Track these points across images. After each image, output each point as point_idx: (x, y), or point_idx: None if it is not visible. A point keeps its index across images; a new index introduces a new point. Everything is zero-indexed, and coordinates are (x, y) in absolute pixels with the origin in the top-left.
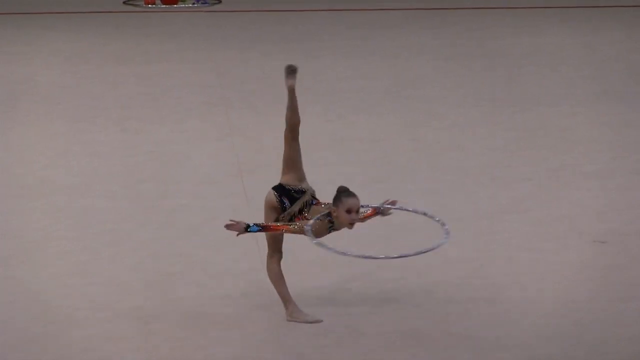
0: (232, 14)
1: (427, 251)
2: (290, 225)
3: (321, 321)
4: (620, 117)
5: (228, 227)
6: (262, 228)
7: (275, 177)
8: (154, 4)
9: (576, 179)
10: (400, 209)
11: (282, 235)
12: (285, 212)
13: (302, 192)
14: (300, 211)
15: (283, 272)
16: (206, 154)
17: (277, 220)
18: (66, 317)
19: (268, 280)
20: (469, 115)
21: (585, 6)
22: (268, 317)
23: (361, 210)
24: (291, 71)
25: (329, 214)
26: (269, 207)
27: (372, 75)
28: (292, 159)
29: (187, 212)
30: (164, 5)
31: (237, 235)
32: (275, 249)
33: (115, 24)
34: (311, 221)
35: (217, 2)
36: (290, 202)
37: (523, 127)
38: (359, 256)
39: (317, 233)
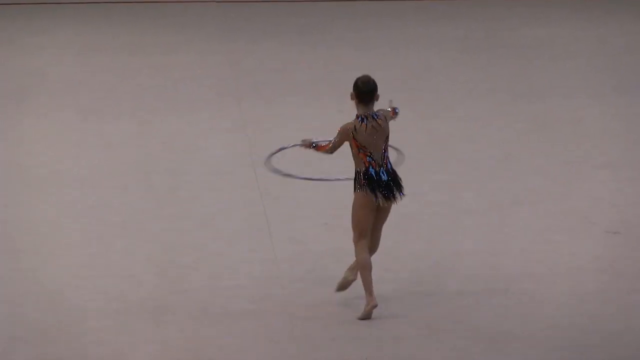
0: (243, 4)
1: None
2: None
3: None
4: (632, 110)
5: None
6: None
7: (290, 168)
8: None
9: (588, 170)
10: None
11: (366, 218)
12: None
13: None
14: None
15: (295, 260)
16: (219, 145)
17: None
18: (79, 309)
19: (280, 271)
20: (480, 107)
21: None
22: (281, 308)
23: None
24: None
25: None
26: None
27: (383, 67)
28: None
29: (200, 203)
30: None
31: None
32: (360, 234)
33: (126, 15)
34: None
35: None
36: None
37: (535, 119)
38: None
39: (372, 134)
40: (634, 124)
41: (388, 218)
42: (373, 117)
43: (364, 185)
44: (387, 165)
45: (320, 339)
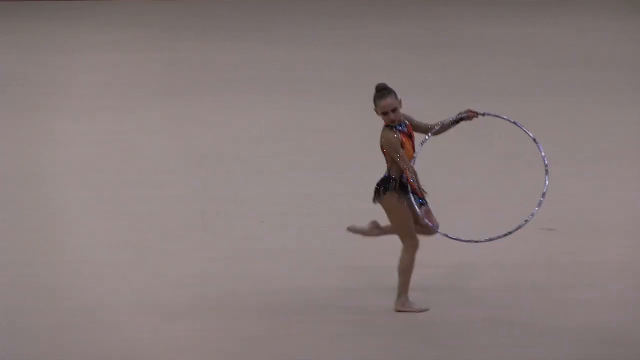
0: (185, 2)
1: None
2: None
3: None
4: (571, 107)
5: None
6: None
7: (232, 166)
8: None
9: (524, 167)
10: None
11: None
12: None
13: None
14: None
15: (233, 257)
16: (159, 142)
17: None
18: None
19: (220, 269)
20: (422, 103)
21: None
22: (219, 306)
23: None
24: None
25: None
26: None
27: (328, 65)
28: None
29: (141, 201)
30: None
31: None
32: (412, 237)
33: (65, 13)
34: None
35: None
36: None
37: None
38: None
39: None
40: (571, 121)
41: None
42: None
43: (397, 189)
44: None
45: (260, 338)
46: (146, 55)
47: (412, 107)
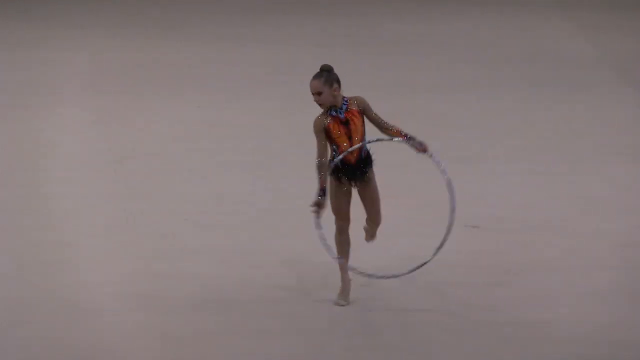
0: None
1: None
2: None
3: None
4: (495, 104)
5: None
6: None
7: (152, 165)
8: None
9: (450, 164)
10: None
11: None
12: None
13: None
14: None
15: (157, 255)
16: (80, 140)
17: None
18: None
19: (145, 266)
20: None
21: None
22: (148, 304)
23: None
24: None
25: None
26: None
27: (252, 62)
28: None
29: (63, 199)
30: None
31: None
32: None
33: None
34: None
35: None
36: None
37: (398, 112)
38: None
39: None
40: (496, 118)
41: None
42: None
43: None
44: None
45: (185, 336)
46: (70, 53)
47: None
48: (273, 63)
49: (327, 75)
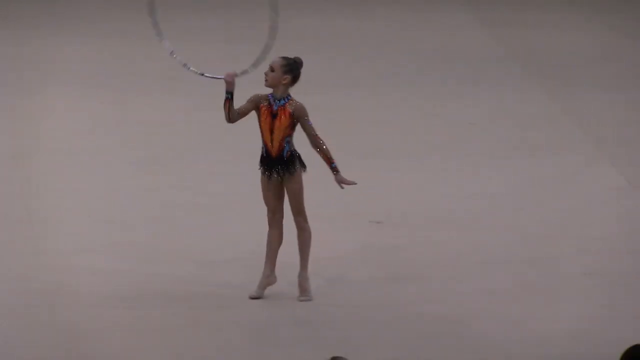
0: None
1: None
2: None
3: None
4: (401, 100)
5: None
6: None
7: (53, 163)
8: None
9: (353, 160)
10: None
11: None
12: None
13: None
14: None
15: (57, 252)
16: None
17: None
18: None
19: (41, 264)
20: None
21: None
22: (44, 301)
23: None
24: None
25: None
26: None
27: (152, 58)
28: None
29: None
30: None
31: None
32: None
33: None
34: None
35: None
36: None
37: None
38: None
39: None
40: (400, 114)
41: None
42: None
43: (301, 161)
44: None
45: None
46: None
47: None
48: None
49: (289, 63)
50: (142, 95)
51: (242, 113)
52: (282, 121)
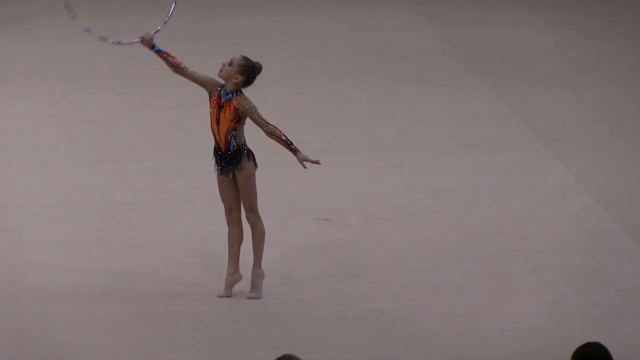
0: None
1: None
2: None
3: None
4: (342, 96)
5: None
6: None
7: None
8: None
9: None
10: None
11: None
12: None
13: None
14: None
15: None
16: None
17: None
18: None
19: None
20: (191, 95)
21: None
22: None
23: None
24: None
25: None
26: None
27: (100, 54)
28: None
29: None
30: None
31: (142, 43)
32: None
33: None
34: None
35: None
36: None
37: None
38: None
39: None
40: (342, 110)
41: None
42: None
43: (252, 157)
44: None
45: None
46: None
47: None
48: (121, 56)
49: (247, 65)
50: (88, 91)
51: (192, 77)
52: (226, 114)
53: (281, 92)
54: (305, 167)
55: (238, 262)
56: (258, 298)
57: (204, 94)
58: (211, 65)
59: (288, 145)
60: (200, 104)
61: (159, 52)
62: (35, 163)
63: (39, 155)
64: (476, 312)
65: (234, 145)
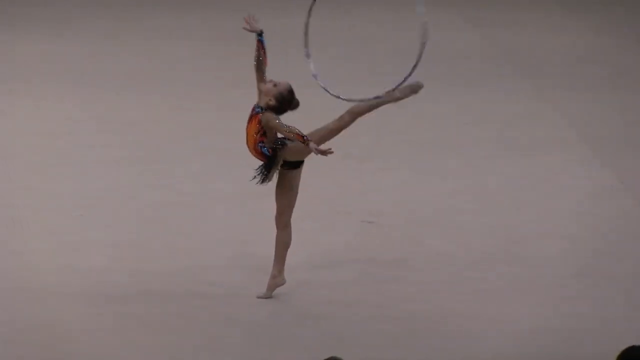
0: None
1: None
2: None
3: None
4: None
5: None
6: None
7: (33, 162)
8: None
9: (339, 160)
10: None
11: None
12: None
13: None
14: None
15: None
16: None
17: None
18: None
19: (34, 264)
20: (230, 97)
21: None
22: (35, 301)
23: None
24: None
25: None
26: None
27: (132, 56)
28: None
29: None
30: None
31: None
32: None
33: None
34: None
35: None
36: None
37: None
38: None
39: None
40: (383, 113)
41: None
42: None
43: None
44: None
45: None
46: None
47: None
48: (160, 58)
49: (284, 95)
50: (127, 93)
51: (260, 81)
52: (252, 126)
53: (323, 94)
54: (316, 154)
55: (283, 266)
56: (265, 298)
57: (240, 96)
58: (249, 65)
59: (301, 137)
60: (236, 105)
61: (260, 42)
62: (75, 165)
63: (79, 158)
64: (518, 315)
65: (268, 150)
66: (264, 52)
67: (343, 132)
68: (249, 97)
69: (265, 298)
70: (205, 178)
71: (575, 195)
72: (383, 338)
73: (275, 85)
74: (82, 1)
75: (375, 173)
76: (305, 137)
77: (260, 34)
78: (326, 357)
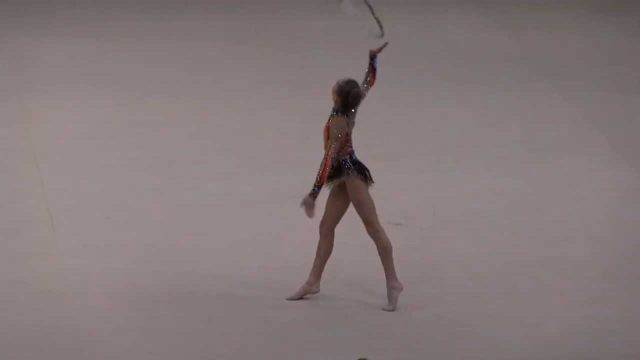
0: None
1: None
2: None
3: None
4: (412, 99)
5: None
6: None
7: (61, 164)
8: None
9: (366, 160)
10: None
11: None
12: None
13: None
14: None
15: (78, 253)
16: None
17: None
18: None
19: (64, 265)
20: (256, 98)
21: None
22: (60, 303)
23: None
24: None
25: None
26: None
27: (160, 58)
28: None
29: None
30: None
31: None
32: (376, 218)
33: None
34: None
35: None
36: None
37: (312, 110)
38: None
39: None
40: (409, 114)
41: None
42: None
43: (354, 171)
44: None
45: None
46: None
47: (244, 102)
48: (184, 59)
49: (340, 87)
50: (149, 95)
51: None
52: (325, 133)
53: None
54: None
55: (319, 274)
56: (390, 310)
57: (266, 97)
58: (275, 66)
59: (314, 183)
60: (261, 107)
61: (372, 65)
62: (103, 167)
63: (106, 160)
64: (546, 316)
65: (335, 161)
66: (373, 75)
67: (368, 131)
68: (274, 98)
69: (294, 300)
70: (230, 179)
71: (601, 197)
72: (410, 340)
73: (333, 94)
74: (107, 3)
75: (403, 175)
76: (315, 188)
77: (373, 57)
78: (355, 359)
